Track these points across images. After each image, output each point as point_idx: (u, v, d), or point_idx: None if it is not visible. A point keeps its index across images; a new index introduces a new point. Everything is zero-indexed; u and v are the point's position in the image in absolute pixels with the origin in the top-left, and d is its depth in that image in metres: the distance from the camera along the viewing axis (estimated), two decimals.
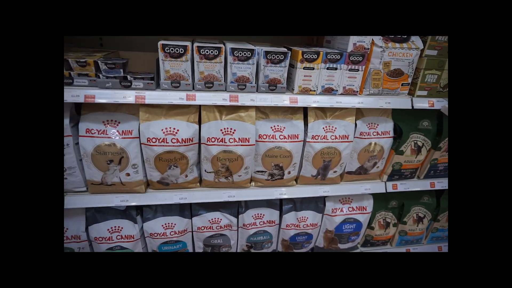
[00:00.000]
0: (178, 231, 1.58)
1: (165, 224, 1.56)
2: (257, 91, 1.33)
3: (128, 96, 1.19)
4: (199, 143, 1.37)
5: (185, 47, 1.19)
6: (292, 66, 1.34)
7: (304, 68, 1.31)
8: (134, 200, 1.42)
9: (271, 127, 1.42)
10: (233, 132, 1.35)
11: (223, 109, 1.34)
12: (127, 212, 1.53)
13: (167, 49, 1.18)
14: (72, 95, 1.15)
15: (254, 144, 1.38)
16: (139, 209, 1.56)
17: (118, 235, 1.52)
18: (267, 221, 1.69)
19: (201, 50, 1.20)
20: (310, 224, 1.72)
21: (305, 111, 1.47)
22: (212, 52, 1.21)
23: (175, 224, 1.57)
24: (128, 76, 1.19)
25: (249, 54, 1.24)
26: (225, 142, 1.35)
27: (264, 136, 1.41)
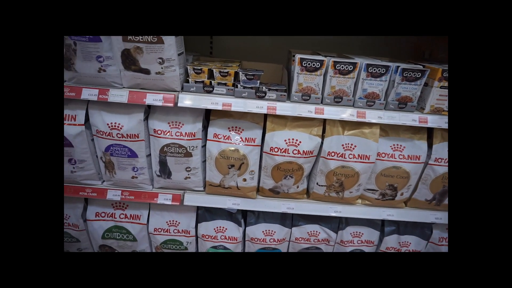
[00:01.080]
0: (277, 239, 1.60)
1: (266, 230, 1.59)
2: (384, 108, 1.28)
3: (261, 106, 1.24)
4: (317, 156, 1.37)
5: (321, 61, 1.20)
6: (425, 84, 1.27)
7: (441, 87, 1.23)
8: (245, 204, 1.47)
9: (391, 146, 1.37)
10: (354, 148, 1.32)
11: (345, 124, 1.33)
12: (233, 215, 1.59)
13: (304, 63, 1.20)
14: (212, 102, 1.24)
15: (373, 162, 1.34)
16: (244, 213, 1.62)
17: (222, 235, 1.59)
18: (365, 240, 1.63)
19: (337, 65, 1.20)
20: (413, 250, 1.61)
21: (429, 131, 1.38)
22: (347, 67, 1.20)
23: (275, 232, 1.59)
24: (263, 87, 1.24)
25: (383, 70, 1.21)
26: (344, 158, 1.33)
27: (383, 155, 1.36)
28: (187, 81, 1.27)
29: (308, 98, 1.26)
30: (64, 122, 1.30)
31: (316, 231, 1.60)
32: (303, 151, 1.32)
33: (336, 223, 1.60)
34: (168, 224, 1.58)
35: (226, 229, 1.58)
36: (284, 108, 1.24)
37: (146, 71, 1.18)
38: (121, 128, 1.30)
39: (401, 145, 1.37)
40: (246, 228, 1.59)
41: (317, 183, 1.43)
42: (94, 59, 1.16)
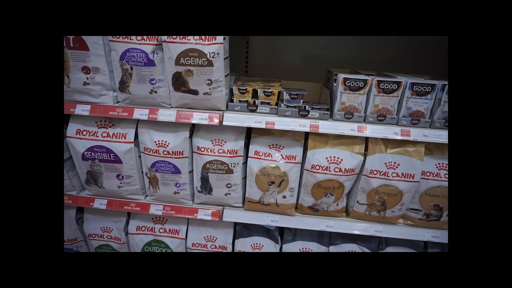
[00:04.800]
0: None
1: (303, 248, 1.57)
2: (430, 126, 1.27)
3: (304, 125, 1.26)
4: (359, 174, 1.36)
5: (365, 80, 1.21)
6: None
7: None
8: (283, 221, 1.47)
9: (436, 165, 1.33)
10: (397, 167, 1.30)
11: (388, 142, 1.32)
12: (270, 232, 1.59)
13: (347, 82, 1.22)
14: (256, 121, 1.27)
15: (418, 181, 1.31)
16: (281, 230, 1.61)
17: (259, 252, 1.58)
18: None
19: (381, 84, 1.21)
20: None
21: None
22: (391, 86, 1.21)
23: (312, 250, 1.57)
24: (307, 106, 1.26)
25: (429, 89, 1.20)
26: (387, 176, 1.31)
27: (428, 174, 1.33)
28: (232, 101, 1.31)
29: (351, 116, 1.27)
30: (115, 139, 1.38)
31: (355, 251, 1.56)
32: (345, 169, 1.31)
33: (376, 243, 1.56)
34: (205, 239, 1.60)
35: (262, 246, 1.58)
36: (326, 126, 1.26)
37: (195, 92, 1.24)
38: (167, 146, 1.36)
39: (447, 164, 1.33)
40: (283, 245, 1.59)
41: (357, 202, 1.41)
42: (147, 81, 1.24)
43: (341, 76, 1.22)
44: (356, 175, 1.36)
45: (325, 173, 1.33)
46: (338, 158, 1.32)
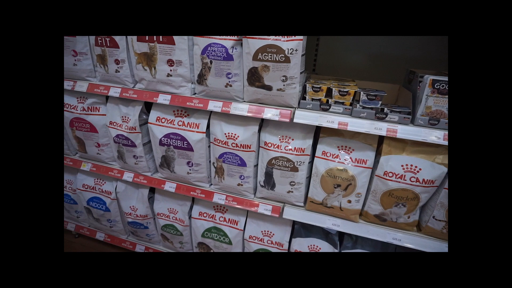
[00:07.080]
0: None
1: None
2: None
3: (380, 128, 1.18)
4: (439, 187, 1.23)
5: None
6: None
7: None
8: (345, 227, 1.41)
9: None
10: None
11: None
12: (329, 235, 1.55)
13: (436, 85, 1.10)
14: (327, 120, 1.23)
15: None
16: (340, 235, 1.56)
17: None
18: None
19: None
20: None
21: None
22: None
23: None
24: (385, 108, 1.18)
25: None
26: None
27: None
28: (304, 98, 1.29)
29: (437, 122, 1.15)
30: (189, 129, 1.47)
31: None
32: (423, 179, 1.20)
33: None
34: (262, 233, 1.62)
35: (320, 248, 1.54)
36: (406, 131, 1.16)
37: (269, 88, 1.25)
38: (236, 138, 1.40)
39: None
40: (341, 251, 1.53)
41: (433, 217, 1.28)
42: (224, 75, 1.29)
43: (429, 78, 1.11)
44: (435, 188, 1.23)
45: (399, 182, 1.23)
46: (416, 167, 1.21)
